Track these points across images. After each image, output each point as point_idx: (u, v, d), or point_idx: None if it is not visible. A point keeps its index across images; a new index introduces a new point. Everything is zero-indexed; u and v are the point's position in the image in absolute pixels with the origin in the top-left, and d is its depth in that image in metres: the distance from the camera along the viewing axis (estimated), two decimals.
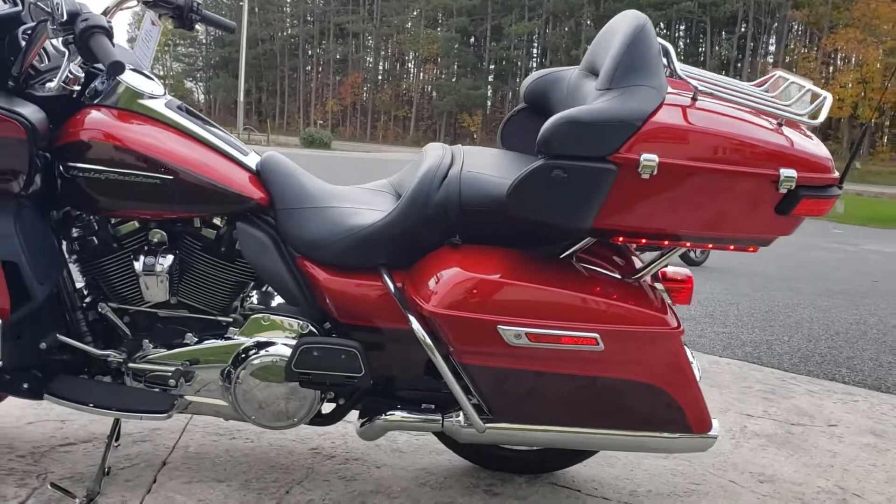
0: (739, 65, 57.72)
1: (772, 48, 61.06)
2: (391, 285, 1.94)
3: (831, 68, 55.72)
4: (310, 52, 74.07)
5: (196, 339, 2.05)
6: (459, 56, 60.48)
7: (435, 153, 2.05)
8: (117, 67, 1.68)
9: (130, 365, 2.03)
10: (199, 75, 76.68)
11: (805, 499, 2.32)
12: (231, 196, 1.98)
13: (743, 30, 56.07)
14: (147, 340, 2.06)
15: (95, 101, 1.98)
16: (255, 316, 2.04)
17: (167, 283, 2.01)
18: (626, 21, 1.88)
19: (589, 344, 1.81)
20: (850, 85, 52.73)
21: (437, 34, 60.31)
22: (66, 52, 1.73)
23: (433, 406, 2.08)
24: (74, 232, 2.05)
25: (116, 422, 2.15)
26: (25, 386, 2.00)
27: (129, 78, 1.99)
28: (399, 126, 62.09)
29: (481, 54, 62.68)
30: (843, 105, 49.75)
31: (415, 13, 63.58)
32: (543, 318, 1.81)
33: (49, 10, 1.81)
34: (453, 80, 59.89)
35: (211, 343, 2.05)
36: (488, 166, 2.00)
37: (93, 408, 1.99)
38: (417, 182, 1.92)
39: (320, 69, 71.68)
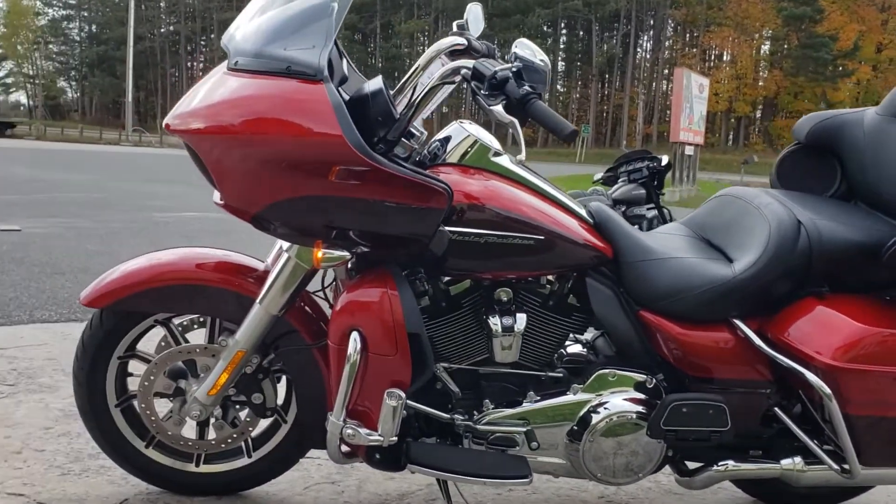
0: (622, 61, 59.75)
1: (649, 45, 63.52)
2: (754, 338, 1.94)
3: (709, 65, 58.47)
4: (190, 49, 71.85)
5: (538, 398, 2.00)
6: (350, 53, 59.80)
7: (763, 199, 2.07)
8: (574, 134, 1.62)
9: (478, 427, 1.96)
10: (72, 74, 73.01)
11: None
12: (588, 252, 1.95)
13: (626, 28, 58.02)
14: (487, 400, 1.99)
15: (438, 161, 1.90)
16: (601, 372, 2.00)
17: (521, 342, 1.96)
18: None
19: None
20: (725, 81, 55.47)
21: None
22: (515, 121, 1.64)
23: (760, 453, 2.10)
24: None
25: (446, 485, 2.06)
26: (378, 456, 1.91)
27: (479, 133, 1.92)
28: None
29: (371, 51, 62.48)
30: (719, 100, 52.38)
31: None
32: None
33: (467, 73, 1.73)
34: None
35: (555, 401, 2.00)
36: (825, 212, 2.04)
37: (460, 475, 1.91)
38: (777, 233, 1.93)
39: (204, 67, 69.53)
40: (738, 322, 1.97)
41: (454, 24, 2.19)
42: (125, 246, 6.78)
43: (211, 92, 1.70)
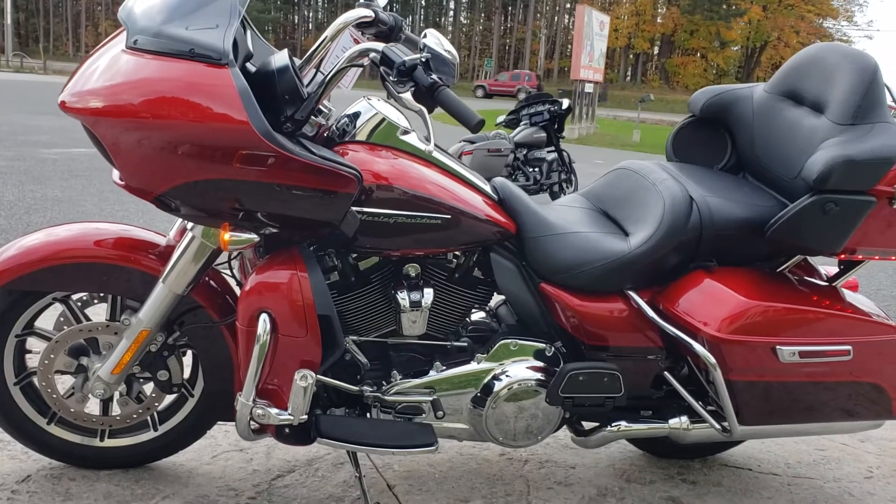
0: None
1: None
2: (647, 308, 2.05)
3: (608, 2, 58.82)
4: None
5: (443, 367, 2.06)
6: None
7: (659, 175, 2.16)
8: (480, 124, 1.64)
9: (386, 398, 2.01)
10: None
11: None
12: (492, 228, 2.00)
13: None
14: (395, 371, 2.04)
15: (346, 139, 1.90)
16: (504, 341, 2.08)
17: (428, 316, 2.01)
18: (853, 59, 2.07)
19: (842, 355, 2.04)
20: (625, 17, 56.04)
21: None
22: (423, 109, 1.64)
23: (650, 413, 2.24)
24: None
25: (355, 455, 2.11)
26: (287, 432, 1.94)
27: (387, 111, 1.92)
28: None
29: None
30: (618, 36, 53.01)
31: None
32: (812, 336, 2.01)
33: (376, 57, 1.72)
34: None
35: (459, 370, 2.06)
36: (715, 188, 2.14)
37: (369, 447, 1.97)
38: (671, 208, 2.03)
39: None
40: (632, 294, 2.07)
41: None
42: (10, 186, 6.49)
43: (108, 71, 1.63)
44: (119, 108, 1.59)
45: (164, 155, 1.62)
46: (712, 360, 1.98)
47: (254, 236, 1.76)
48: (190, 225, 1.87)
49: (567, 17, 61.25)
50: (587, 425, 2.24)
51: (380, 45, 1.72)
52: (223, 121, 1.57)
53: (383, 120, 1.90)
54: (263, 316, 1.78)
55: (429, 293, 1.99)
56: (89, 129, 1.67)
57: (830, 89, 2.10)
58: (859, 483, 2.49)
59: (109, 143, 1.64)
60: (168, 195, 1.69)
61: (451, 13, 66.52)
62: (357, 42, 2.15)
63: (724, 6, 52.22)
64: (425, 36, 1.75)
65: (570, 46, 53.80)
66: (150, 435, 2.14)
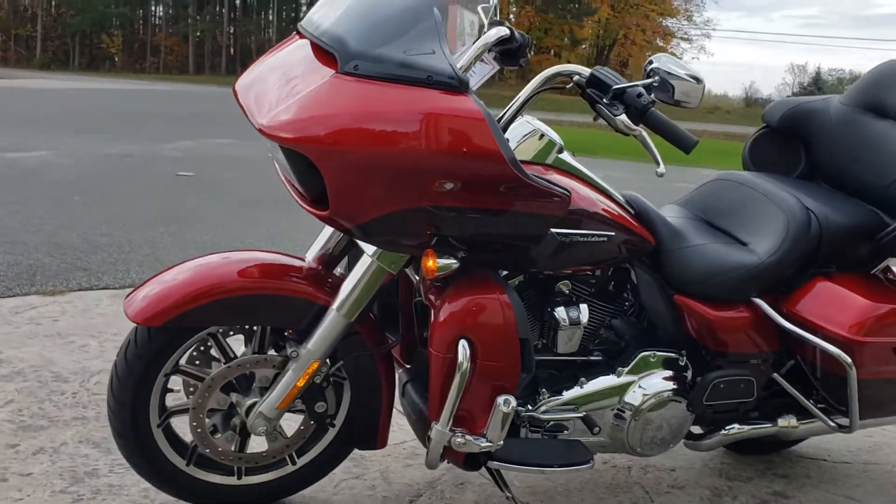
0: None
1: None
2: (775, 315, 2.14)
3: None
4: None
5: (586, 383, 2.08)
6: None
7: (767, 186, 2.27)
8: (695, 145, 1.67)
9: (537, 415, 2.01)
10: None
11: None
12: (640, 243, 2.04)
13: None
14: (543, 389, 2.04)
15: None
16: (643, 353, 2.12)
17: (582, 332, 2.02)
18: None
19: None
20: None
21: None
22: (643, 132, 1.65)
23: (756, 414, 2.34)
24: None
25: (500, 474, 2.09)
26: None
27: (546, 129, 1.91)
28: (22, 46, 54.53)
29: None
30: None
31: None
32: None
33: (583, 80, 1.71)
34: None
35: (603, 384, 2.09)
36: (817, 197, 2.26)
37: (537, 467, 1.96)
38: (793, 219, 2.13)
39: None
40: (758, 301, 2.16)
41: (479, 9, 2.13)
42: None
43: (327, 97, 1.53)
44: (358, 137, 1.51)
45: (395, 183, 1.56)
46: (848, 360, 2.08)
47: (455, 261, 1.71)
48: (370, 251, 1.79)
49: None
50: (695, 429, 2.32)
51: (585, 70, 1.73)
52: (474, 149, 1.53)
53: (543, 138, 1.89)
54: (462, 342, 1.74)
55: (584, 309, 2.00)
56: (298, 154, 1.57)
57: None
58: None
59: (331, 172, 1.54)
60: (374, 224, 1.62)
61: (305, 8, 65.57)
62: (485, 62, 2.13)
63: (576, 5, 54.13)
64: (651, 63, 1.76)
65: None
66: (288, 469, 2.03)
